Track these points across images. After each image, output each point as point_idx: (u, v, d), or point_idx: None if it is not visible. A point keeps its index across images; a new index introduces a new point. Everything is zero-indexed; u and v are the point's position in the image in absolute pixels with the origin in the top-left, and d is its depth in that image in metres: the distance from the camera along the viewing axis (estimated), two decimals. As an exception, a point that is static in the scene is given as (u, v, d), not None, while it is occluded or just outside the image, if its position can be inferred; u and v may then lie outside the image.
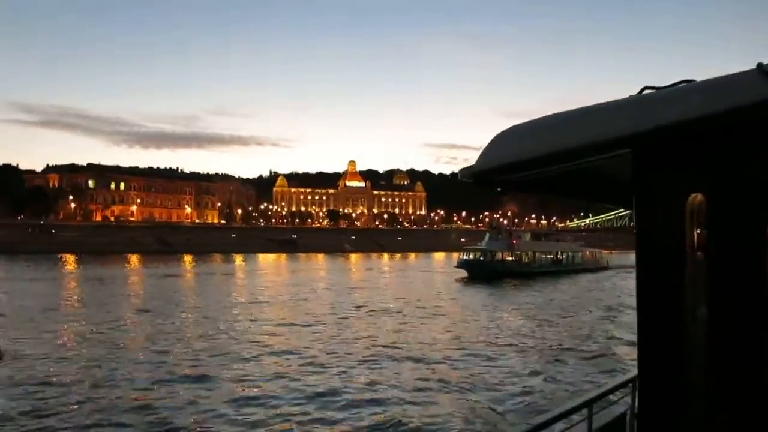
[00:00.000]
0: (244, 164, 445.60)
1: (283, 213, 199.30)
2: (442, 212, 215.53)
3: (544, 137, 2.18)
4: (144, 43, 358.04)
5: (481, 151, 2.45)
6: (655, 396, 2.11)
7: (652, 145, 2.00)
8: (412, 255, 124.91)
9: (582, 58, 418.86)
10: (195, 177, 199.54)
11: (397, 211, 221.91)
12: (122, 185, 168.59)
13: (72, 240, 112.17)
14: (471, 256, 64.76)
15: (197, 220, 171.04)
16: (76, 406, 13.60)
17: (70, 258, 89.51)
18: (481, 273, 57.68)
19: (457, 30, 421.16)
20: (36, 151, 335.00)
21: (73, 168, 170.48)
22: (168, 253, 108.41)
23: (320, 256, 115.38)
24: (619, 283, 54.25)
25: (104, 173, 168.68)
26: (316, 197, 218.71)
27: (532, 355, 20.18)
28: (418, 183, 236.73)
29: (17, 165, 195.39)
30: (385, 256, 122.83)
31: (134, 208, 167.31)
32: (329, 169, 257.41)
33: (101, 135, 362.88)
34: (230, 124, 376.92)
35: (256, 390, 15.23)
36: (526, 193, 2.95)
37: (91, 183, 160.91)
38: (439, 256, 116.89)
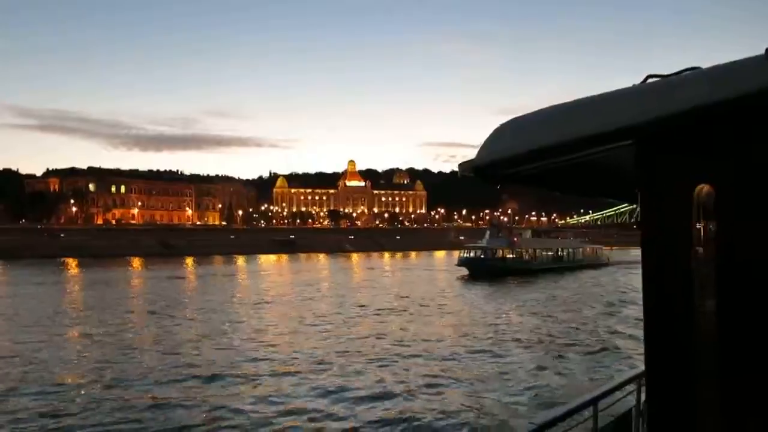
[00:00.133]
0: (243, 165, 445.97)
1: (284, 214, 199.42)
2: (442, 211, 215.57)
3: (545, 129, 2.14)
4: (142, 45, 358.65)
5: (481, 144, 2.42)
6: (664, 392, 2.08)
7: (657, 135, 1.95)
8: (413, 254, 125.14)
9: (580, 56, 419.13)
10: (195, 179, 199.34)
11: (397, 210, 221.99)
12: (123, 188, 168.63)
13: (73, 244, 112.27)
14: (472, 254, 64.97)
15: (198, 222, 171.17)
16: (93, 405, 13.92)
17: (72, 262, 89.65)
18: (482, 271, 57.80)
19: (455, 29, 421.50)
20: (35, 155, 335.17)
21: (73, 172, 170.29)
22: (169, 255, 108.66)
23: (321, 256, 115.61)
24: (620, 279, 54.57)
25: (105, 176, 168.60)
26: (317, 197, 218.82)
27: (536, 351, 20.44)
28: (418, 182, 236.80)
29: (17, 169, 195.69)
30: (386, 255, 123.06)
31: (135, 211, 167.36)
32: (329, 169, 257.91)
33: (100, 138, 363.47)
34: (229, 125, 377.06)
35: (269, 388, 15.54)
36: (528, 186, 2.87)
37: (91, 186, 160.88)
38: (440, 254, 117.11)
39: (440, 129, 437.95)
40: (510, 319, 28.97)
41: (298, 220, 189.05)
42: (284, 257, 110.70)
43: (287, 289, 45.62)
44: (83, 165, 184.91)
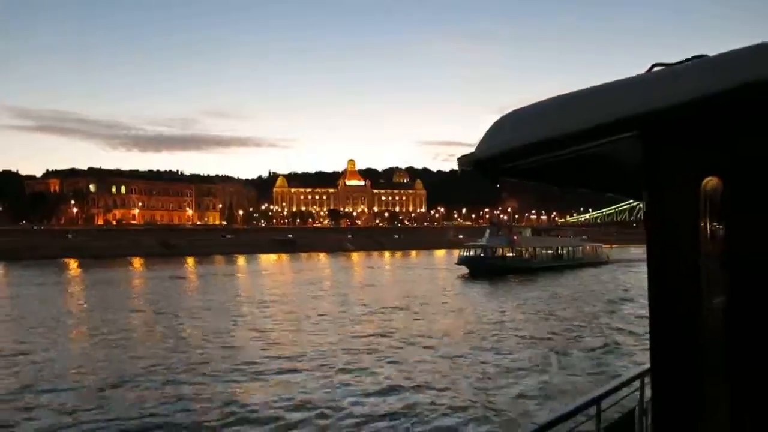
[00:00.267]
0: (243, 165, 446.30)
1: (284, 213, 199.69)
2: (442, 209, 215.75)
3: (547, 120, 2.08)
4: (141, 46, 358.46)
5: (481, 137, 2.36)
6: (670, 390, 2.03)
7: (663, 125, 1.89)
8: (413, 253, 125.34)
9: (580, 54, 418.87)
10: (195, 179, 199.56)
11: (397, 209, 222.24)
12: (123, 189, 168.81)
13: (74, 244, 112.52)
14: (472, 253, 65.12)
15: (199, 222, 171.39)
16: (105, 401, 14.21)
17: (72, 262, 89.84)
18: (482, 270, 57.95)
19: (453, 28, 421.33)
20: (34, 156, 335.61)
21: (73, 172, 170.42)
22: (170, 255, 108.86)
23: (322, 255, 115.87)
24: (620, 277, 54.72)
25: (105, 177, 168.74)
26: (317, 197, 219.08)
27: (538, 350, 20.59)
28: (418, 181, 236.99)
29: (17, 170, 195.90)
30: (386, 254, 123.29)
31: (136, 211, 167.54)
32: (328, 169, 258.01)
33: (99, 139, 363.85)
34: (228, 125, 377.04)
35: (276, 384, 15.82)
36: (529, 181, 2.76)
37: (92, 187, 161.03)
38: (440, 253, 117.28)
39: (439, 128, 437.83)
40: (511, 317, 29.18)
41: (298, 220, 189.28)
42: (284, 257, 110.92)
43: (289, 288, 45.82)
44: (82, 166, 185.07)
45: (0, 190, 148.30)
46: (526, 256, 67.41)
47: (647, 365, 4.39)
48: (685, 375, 1.98)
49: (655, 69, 1.90)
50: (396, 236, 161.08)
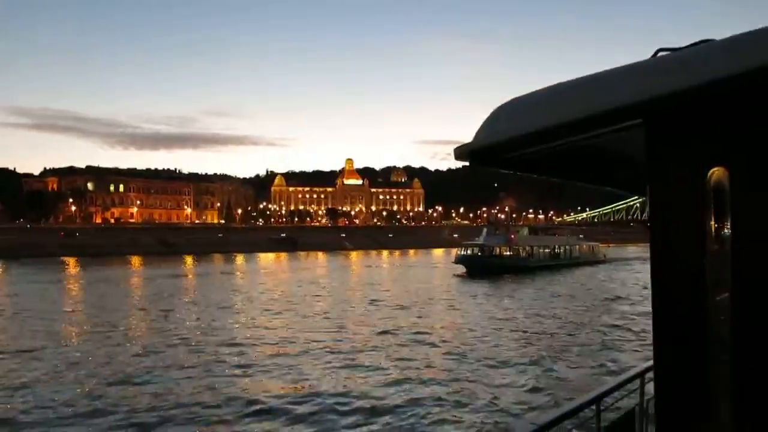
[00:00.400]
0: (240, 164, 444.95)
1: (282, 212, 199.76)
2: (440, 208, 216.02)
3: (546, 109, 2.01)
4: (139, 45, 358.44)
5: (478, 127, 2.27)
6: (673, 389, 1.98)
7: (667, 113, 1.83)
8: (411, 252, 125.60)
9: (580, 53, 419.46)
10: (194, 178, 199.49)
11: (395, 208, 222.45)
12: (121, 187, 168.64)
13: (72, 242, 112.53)
14: (469, 252, 65.24)
15: (197, 221, 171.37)
16: (125, 396, 14.47)
17: (71, 261, 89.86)
18: (480, 268, 58.09)
19: (451, 27, 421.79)
20: (31, 154, 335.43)
21: (72, 171, 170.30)
22: (168, 254, 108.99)
23: (320, 254, 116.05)
24: (617, 276, 55.14)
25: (103, 175, 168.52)
26: (315, 196, 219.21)
27: (537, 349, 20.72)
28: (416, 180, 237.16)
29: (14, 169, 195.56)
30: (385, 253, 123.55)
31: (134, 209, 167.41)
32: (326, 168, 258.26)
33: (96, 137, 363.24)
34: (225, 124, 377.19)
35: (282, 379, 16.07)
36: (528, 173, 2.66)
37: (90, 185, 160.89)
38: (438, 252, 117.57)
39: (437, 127, 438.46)
40: (508, 315, 29.40)
41: (296, 219, 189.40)
42: (283, 256, 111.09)
43: (295, 287, 45.83)
44: (79, 164, 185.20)
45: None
46: (524, 255, 67.60)
47: (647, 364, 4.68)
48: (689, 373, 1.93)
49: (660, 54, 1.83)
50: (390, 235, 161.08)
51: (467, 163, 2.34)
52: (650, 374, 4.43)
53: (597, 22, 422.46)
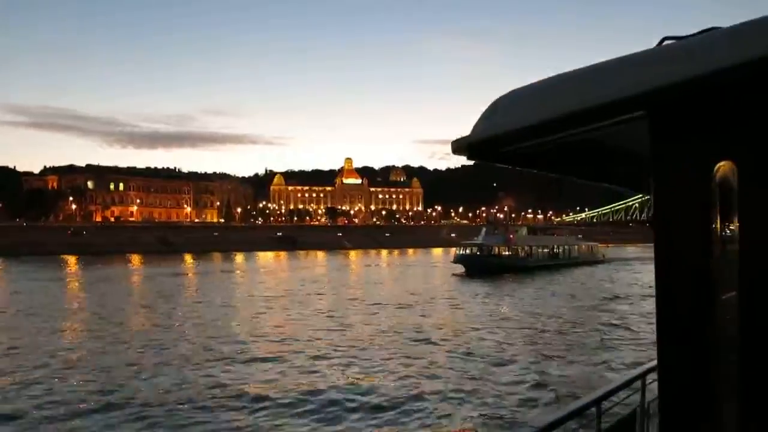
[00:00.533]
0: (239, 163, 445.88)
1: (282, 211, 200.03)
2: (439, 208, 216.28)
3: (547, 100, 1.95)
4: (139, 44, 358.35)
5: (477, 120, 2.19)
6: (678, 390, 1.92)
7: (671, 104, 1.76)
8: (411, 251, 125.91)
9: (580, 52, 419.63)
10: (193, 176, 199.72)
11: (394, 207, 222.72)
12: (121, 186, 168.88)
13: (73, 240, 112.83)
14: (468, 252, 65.29)
15: (196, 220, 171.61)
16: (134, 391, 14.75)
17: (71, 259, 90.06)
18: (478, 268, 58.14)
19: (451, 26, 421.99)
20: (30, 152, 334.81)
21: (72, 169, 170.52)
22: (169, 252, 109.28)
23: (320, 253, 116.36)
24: (615, 276, 55.41)
25: (103, 174, 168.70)
26: (314, 195, 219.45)
27: (537, 349, 20.85)
28: (415, 179, 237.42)
29: (14, 167, 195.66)
30: (384, 252, 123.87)
31: (134, 208, 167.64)
32: (324, 167, 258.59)
33: (94, 136, 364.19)
34: (224, 122, 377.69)
35: (297, 374, 16.39)
36: (527, 168, 2.58)
37: (90, 184, 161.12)
38: (437, 251, 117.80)
39: (436, 126, 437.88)
40: (509, 314, 29.67)
41: (295, 218, 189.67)
42: (283, 254, 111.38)
43: (297, 286, 46.03)
44: (78, 162, 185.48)
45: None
46: (522, 254, 67.70)
47: (648, 365, 4.73)
48: (694, 374, 1.87)
49: (665, 43, 1.78)
50: (387, 234, 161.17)
51: (465, 157, 2.28)
52: (651, 375, 4.48)
53: (598, 22, 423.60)
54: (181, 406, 13.65)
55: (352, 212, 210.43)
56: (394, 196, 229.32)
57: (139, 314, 29.99)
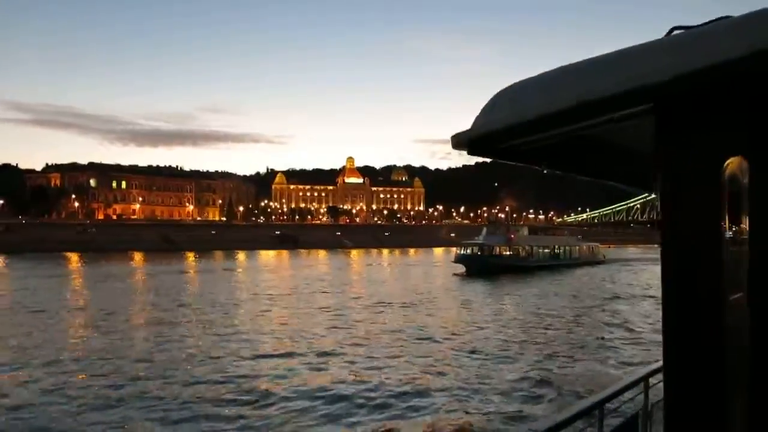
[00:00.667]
0: (240, 161, 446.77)
1: (283, 210, 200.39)
2: (440, 208, 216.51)
3: (550, 93, 1.88)
4: (139, 42, 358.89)
5: (477, 113, 2.13)
6: (684, 393, 1.86)
7: (679, 96, 1.69)
8: (412, 251, 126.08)
9: (580, 51, 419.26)
10: (195, 175, 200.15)
11: (396, 207, 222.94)
12: (124, 184, 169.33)
13: (76, 238, 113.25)
14: (469, 251, 65.29)
15: (198, 218, 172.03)
16: (146, 386, 15.13)
17: (73, 256, 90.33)
18: (479, 268, 58.24)
19: (450, 26, 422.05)
20: (31, 150, 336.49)
21: (74, 167, 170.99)
22: (171, 250, 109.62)
23: (321, 252, 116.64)
24: (616, 277, 55.64)
25: (106, 172, 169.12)
26: (315, 194, 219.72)
27: (538, 349, 20.97)
28: (416, 179, 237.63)
29: (17, 164, 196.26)
30: (385, 251, 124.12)
31: (136, 206, 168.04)
32: (325, 166, 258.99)
33: (96, 133, 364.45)
34: (226, 121, 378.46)
35: (303, 371, 16.68)
36: (529, 164, 2.50)
37: (92, 182, 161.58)
38: (438, 251, 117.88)
39: (437, 126, 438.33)
40: (511, 314, 29.97)
41: (297, 217, 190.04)
42: (284, 253, 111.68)
43: (301, 285, 46.32)
44: (79, 160, 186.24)
45: (0, 183, 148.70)
46: (523, 254, 67.75)
47: (650, 367, 4.73)
48: (702, 375, 1.81)
49: (674, 33, 1.72)
50: (386, 233, 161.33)
51: (465, 152, 2.23)
52: (654, 378, 4.51)
53: (599, 21, 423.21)
54: (191, 400, 13.98)
55: (353, 211, 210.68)
56: (395, 196, 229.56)
57: (145, 311, 30.29)
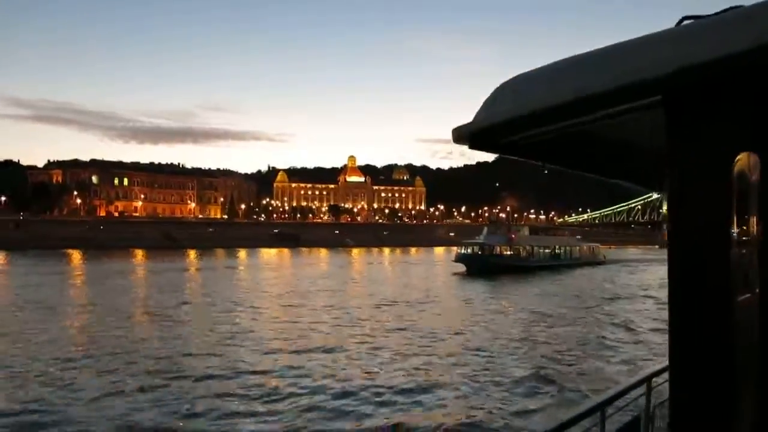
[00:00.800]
0: (241, 159, 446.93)
1: (285, 208, 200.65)
2: (441, 207, 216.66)
3: (554, 85, 1.83)
4: (141, 39, 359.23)
5: (479, 107, 2.09)
6: (691, 394, 1.81)
7: (688, 89, 1.63)
8: (413, 250, 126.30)
9: (580, 50, 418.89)
10: (197, 172, 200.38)
11: (397, 206, 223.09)
12: (125, 181, 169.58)
13: (77, 235, 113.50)
14: (469, 251, 65.31)
15: (200, 215, 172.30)
16: (155, 382, 15.38)
17: (75, 253, 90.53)
18: (479, 267, 58.29)
19: (450, 26, 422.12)
20: (32, 146, 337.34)
21: (76, 163, 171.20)
22: (172, 248, 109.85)
23: (323, 250, 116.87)
24: (616, 277, 55.83)
25: (108, 169, 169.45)
26: (317, 192, 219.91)
27: (538, 350, 21.06)
28: (418, 178, 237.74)
29: (18, 161, 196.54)
30: (386, 250, 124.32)
31: (138, 203, 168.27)
32: (327, 164, 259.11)
33: (97, 130, 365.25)
34: (227, 119, 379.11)
35: (309, 369, 16.97)
36: (533, 160, 2.42)
37: (94, 179, 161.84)
38: (439, 250, 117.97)
39: (438, 125, 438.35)
40: (511, 315, 30.17)
41: (298, 215, 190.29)
42: (286, 251, 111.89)
43: (304, 283, 46.59)
44: (80, 156, 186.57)
45: (2, 180, 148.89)
46: (524, 254, 67.71)
47: (653, 368, 4.69)
48: (708, 378, 1.76)
49: (685, 23, 1.66)
50: (385, 232, 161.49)
51: (466, 146, 2.18)
52: (657, 379, 4.46)
53: (599, 21, 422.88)
54: (201, 395, 14.24)
55: (355, 210, 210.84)
56: (397, 195, 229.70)
57: (149, 308, 30.52)
